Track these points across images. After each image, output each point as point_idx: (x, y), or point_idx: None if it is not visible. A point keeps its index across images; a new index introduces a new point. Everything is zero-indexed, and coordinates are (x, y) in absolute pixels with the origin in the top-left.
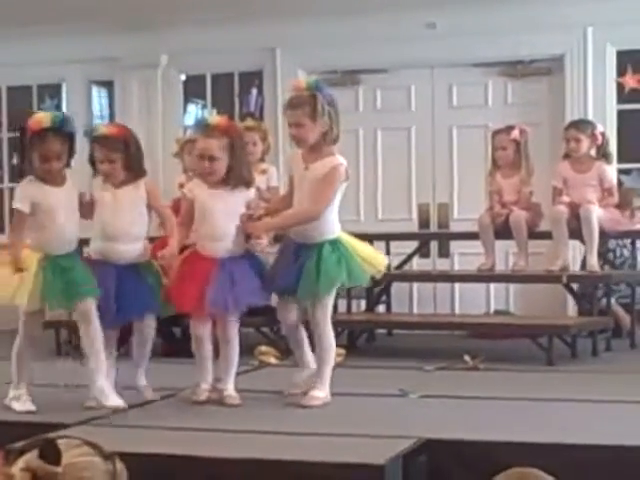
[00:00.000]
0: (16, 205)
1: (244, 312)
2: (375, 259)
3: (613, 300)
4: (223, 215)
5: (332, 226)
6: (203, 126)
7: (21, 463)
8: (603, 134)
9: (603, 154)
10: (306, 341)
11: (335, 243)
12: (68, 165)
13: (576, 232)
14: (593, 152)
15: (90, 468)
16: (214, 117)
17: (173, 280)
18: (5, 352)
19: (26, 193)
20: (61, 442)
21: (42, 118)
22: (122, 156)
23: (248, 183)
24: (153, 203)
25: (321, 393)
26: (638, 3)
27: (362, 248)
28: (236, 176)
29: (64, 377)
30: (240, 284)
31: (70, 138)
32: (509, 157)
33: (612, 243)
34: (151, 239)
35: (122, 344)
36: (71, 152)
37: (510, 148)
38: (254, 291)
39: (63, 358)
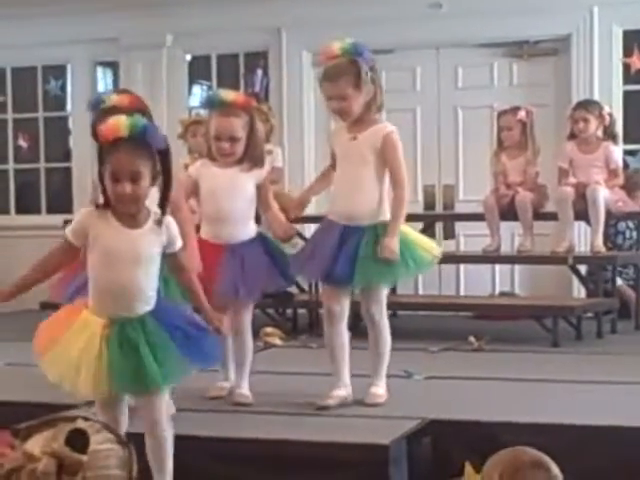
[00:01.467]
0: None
1: (259, 301)
2: (428, 244)
3: (619, 280)
4: (232, 196)
5: (386, 205)
6: (218, 103)
7: (45, 446)
8: (610, 114)
9: (610, 134)
10: (347, 353)
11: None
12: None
13: (582, 213)
14: (600, 133)
15: (111, 457)
16: (229, 93)
17: None
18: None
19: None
20: (85, 425)
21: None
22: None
23: (262, 162)
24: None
25: (382, 390)
26: None
27: (414, 232)
28: (253, 156)
29: None
30: (253, 270)
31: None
32: (515, 138)
33: (621, 225)
34: None
35: None
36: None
37: (516, 129)
38: (270, 277)
39: None
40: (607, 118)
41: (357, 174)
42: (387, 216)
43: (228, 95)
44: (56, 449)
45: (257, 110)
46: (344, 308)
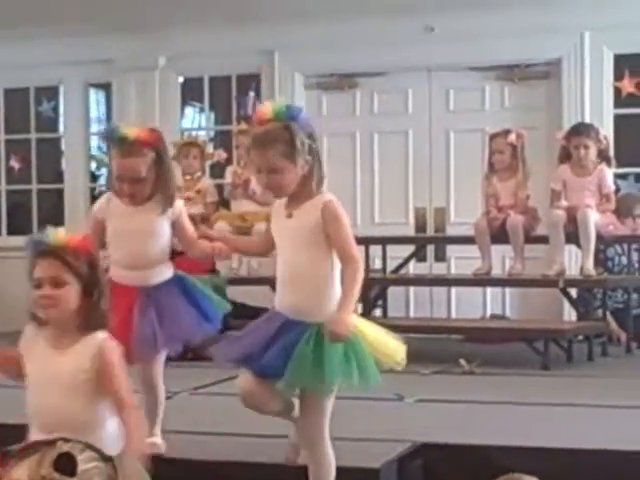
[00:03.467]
0: None
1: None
2: (391, 347)
3: (608, 313)
4: (142, 238)
5: (337, 296)
6: (119, 140)
7: (34, 474)
8: (606, 137)
9: (605, 157)
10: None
11: None
12: None
13: (573, 236)
14: (595, 156)
15: (98, 474)
16: (131, 129)
17: None
18: None
19: None
20: (66, 447)
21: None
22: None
23: (173, 201)
24: None
25: None
26: (635, 7)
27: (375, 333)
28: (164, 194)
29: None
30: (171, 317)
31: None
32: (506, 161)
33: (611, 251)
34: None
35: None
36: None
37: (507, 152)
38: (191, 323)
39: None
40: (603, 141)
41: (298, 259)
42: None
43: (130, 131)
44: (46, 475)
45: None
46: (263, 403)
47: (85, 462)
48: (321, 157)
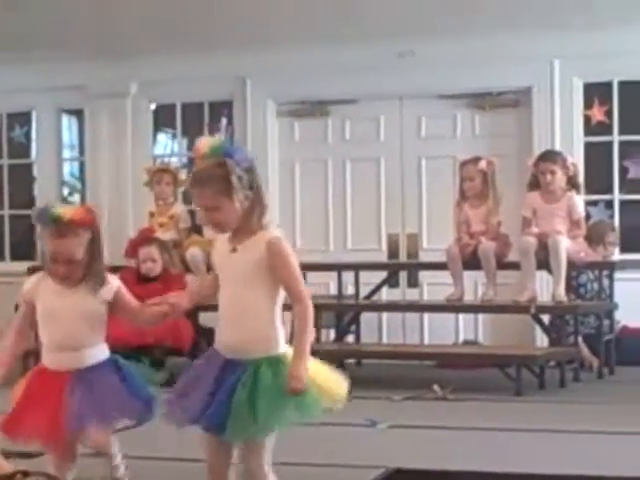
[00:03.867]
0: None
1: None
2: (334, 386)
3: (580, 339)
4: (75, 319)
5: (277, 334)
6: (52, 221)
7: None
8: (574, 164)
9: (574, 185)
10: None
11: (278, 362)
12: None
13: (544, 263)
14: (563, 183)
15: None
16: (66, 209)
17: (16, 405)
18: None
19: None
20: None
21: None
22: None
23: (105, 279)
24: None
25: None
26: (604, 36)
27: (316, 369)
28: (97, 274)
29: None
30: (105, 395)
31: None
32: (477, 188)
33: (583, 278)
34: None
35: None
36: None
37: (478, 179)
38: (127, 405)
39: None
40: (571, 168)
41: (239, 296)
42: (280, 349)
43: (64, 212)
44: None
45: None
46: (226, 464)
47: None
48: (262, 190)
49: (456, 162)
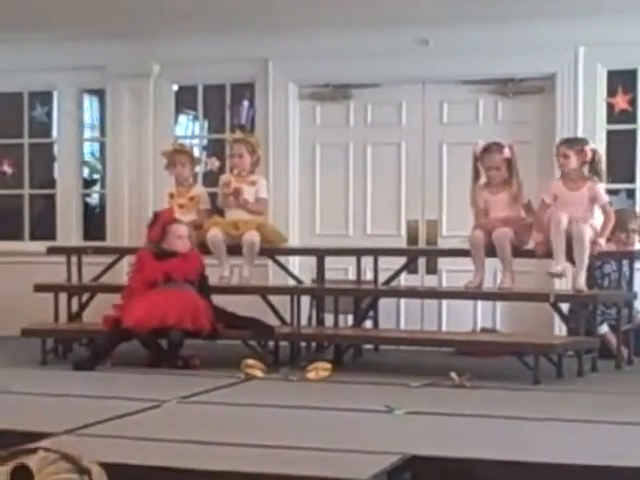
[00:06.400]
0: None
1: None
2: None
3: (607, 328)
4: None
5: None
6: None
7: None
8: (594, 151)
9: (594, 171)
10: None
11: None
12: None
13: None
14: (585, 170)
15: None
16: None
17: None
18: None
19: None
20: (37, 458)
21: None
22: None
23: None
24: None
25: None
26: (629, 24)
27: None
28: None
29: (49, 386)
30: None
31: None
32: (503, 176)
33: (607, 268)
34: None
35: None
36: None
37: (503, 167)
38: None
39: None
40: (589, 154)
41: None
42: None
43: None
44: None
45: (244, 141)
46: None
47: (51, 473)
48: None
49: (476, 148)
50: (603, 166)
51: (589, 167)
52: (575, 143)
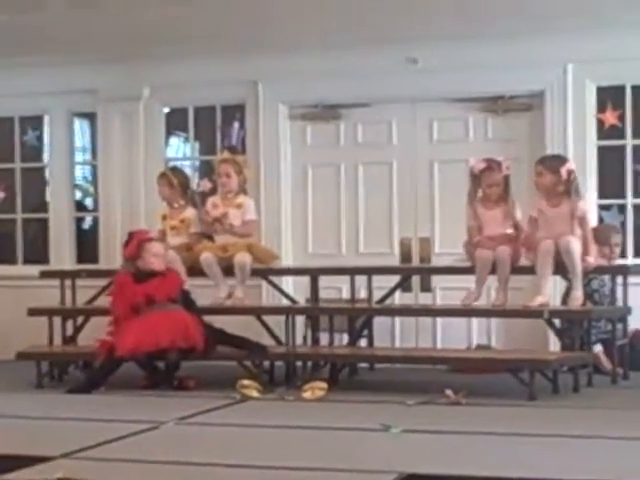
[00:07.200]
0: None
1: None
2: None
3: (600, 347)
4: None
5: None
6: None
7: None
8: (570, 172)
9: (568, 192)
10: None
11: None
12: None
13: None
14: (554, 186)
15: None
16: None
17: None
18: None
19: None
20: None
21: None
22: None
23: None
24: None
25: None
26: (617, 40)
27: None
28: None
29: (45, 409)
30: None
31: None
32: (501, 192)
33: (595, 284)
34: None
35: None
36: None
37: (502, 184)
38: None
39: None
40: (563, 175)
41: None
42: None
43: None
44: None
45: (231, 161)
46: None
47: None
48: None
49: (468, 166)
50: (579, 186)
51: (564, 187)
52: (550, 162)
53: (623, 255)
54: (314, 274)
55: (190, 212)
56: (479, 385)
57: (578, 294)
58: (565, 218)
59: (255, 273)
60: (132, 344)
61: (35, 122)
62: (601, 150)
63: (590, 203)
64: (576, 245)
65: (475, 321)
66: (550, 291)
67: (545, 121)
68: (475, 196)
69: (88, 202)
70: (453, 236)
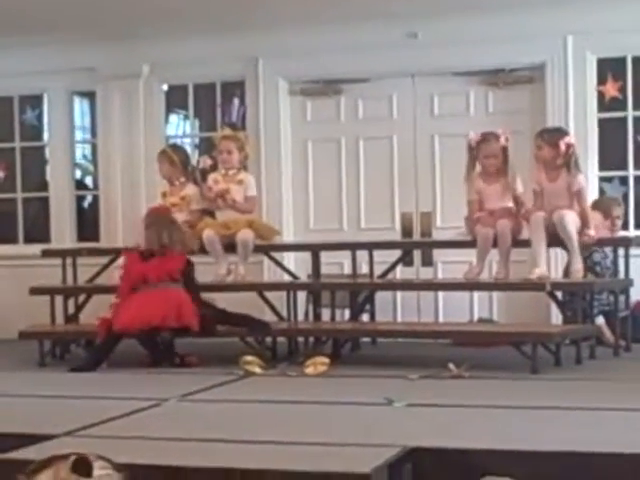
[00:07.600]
0: None
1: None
2: None
3: (602, 319)
4: None
5: None
6: None
7: (55, 478)
8: (568, 145)
9: (566, 165)
10: None
11: None
12: None
13: (554, 240)
14: (553, 159)
15: None
16: None
17: None
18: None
19: None
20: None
21: None
22: None
23: None
24: None
25: None
26: (618, 11)
27: None
28: None
29: (48, 388)
30: None
31: None
32: (499, 165)
33: (597, 256)
34: None
35: (106, 357)
36: None
37: (500, 156)
38: None
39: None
40: (562, 148)
41: None
42: None
43: None
44: (65, 478)
45: (232, 138)
46: None
47: (99, 468)
48: None
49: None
50: (578, 159)
51: (562, 160)
52: (550, 134)
53: (625, 227)
54: (315, 250)
55: (191, 189)
56: (482, 359)
57: (578, 267)
58: (562, 192)
59: (256, 249)
60: (125, 320)
61: (34, 101)
62: (602, 122)
63: (591, 176)
64: (570, 218)
65: (477, 295)
66: (545, 263)
67: (546, 93)
68: (473, 169)
69: (88, 180)
70: (454, 210)
